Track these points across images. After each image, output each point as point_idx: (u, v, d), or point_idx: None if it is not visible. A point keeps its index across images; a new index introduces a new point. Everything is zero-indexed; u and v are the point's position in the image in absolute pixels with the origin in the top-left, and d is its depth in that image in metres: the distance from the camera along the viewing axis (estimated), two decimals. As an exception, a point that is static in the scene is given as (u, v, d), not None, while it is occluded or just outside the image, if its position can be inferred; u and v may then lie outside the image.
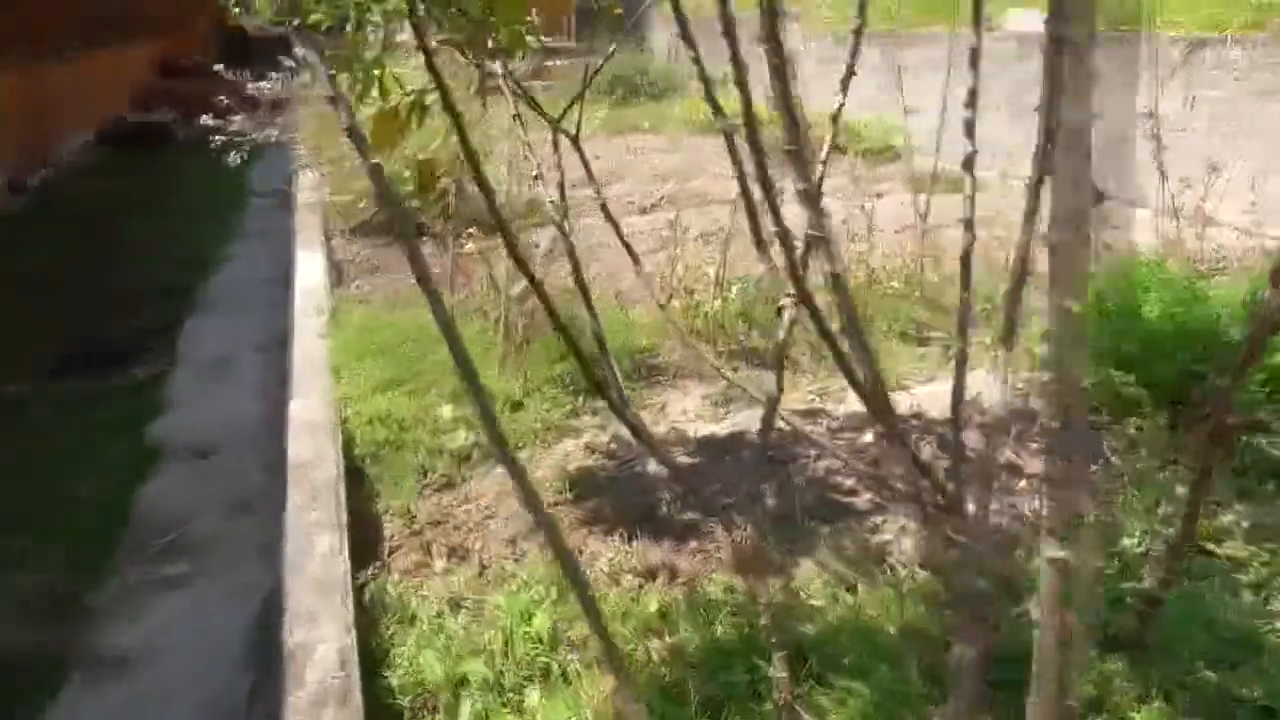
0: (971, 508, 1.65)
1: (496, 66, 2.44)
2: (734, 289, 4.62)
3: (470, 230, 4.59)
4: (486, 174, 2.15)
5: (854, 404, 3.99)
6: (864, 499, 3.16)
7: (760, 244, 1.86)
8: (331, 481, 3.02)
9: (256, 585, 3.17)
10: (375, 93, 2.70)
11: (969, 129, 1.84)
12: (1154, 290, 3.79)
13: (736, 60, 1.61)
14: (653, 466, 3.53)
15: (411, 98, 2.77)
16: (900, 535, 2.95)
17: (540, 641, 2.54)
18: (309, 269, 5.49)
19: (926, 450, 3.39)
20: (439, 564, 2.91)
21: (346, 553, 2.66)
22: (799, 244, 1.65)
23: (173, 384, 4.93)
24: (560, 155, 3.04)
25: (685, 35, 2.04)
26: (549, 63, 6.98)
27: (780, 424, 2.87)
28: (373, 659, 2.47)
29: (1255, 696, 2.24)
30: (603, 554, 2.99)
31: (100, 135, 11.61)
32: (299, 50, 5.02)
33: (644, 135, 10.65)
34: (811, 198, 1.44)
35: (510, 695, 2.40)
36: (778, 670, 2.16)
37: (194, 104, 6.96)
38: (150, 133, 11.83)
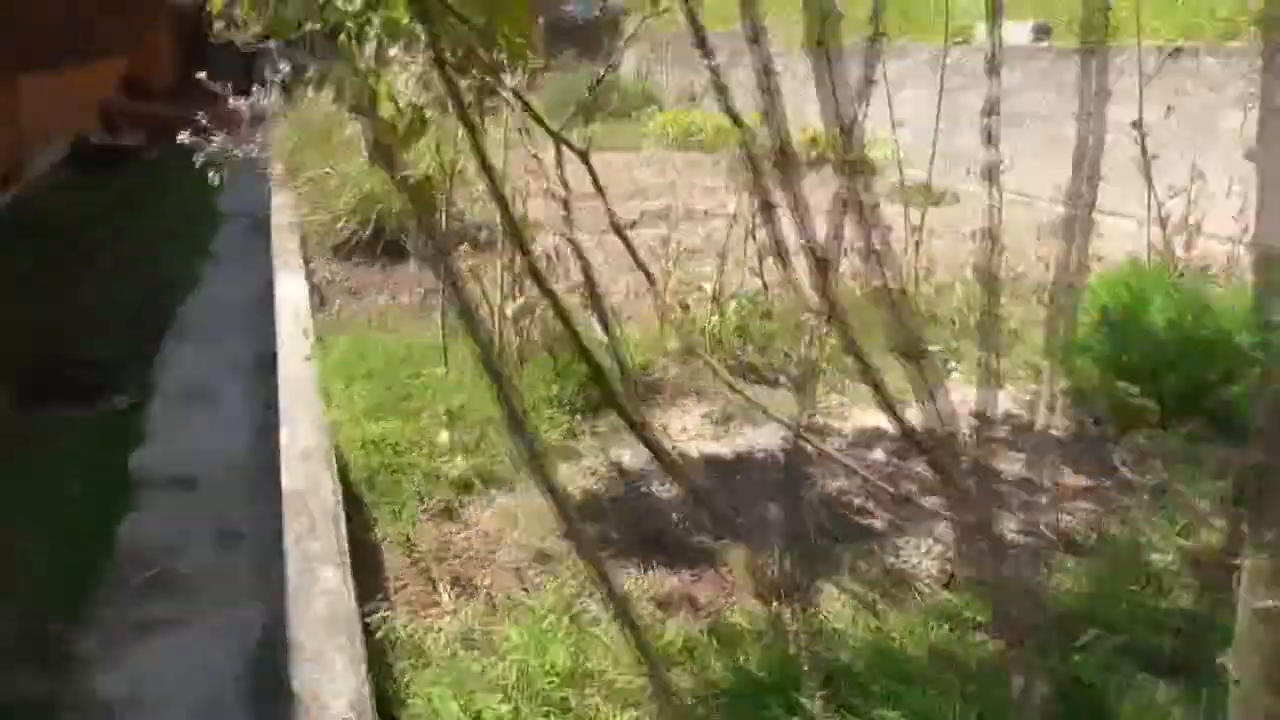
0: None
1: (505, 79, 2.35)
2: (731, 304, 4.55)
3: (462, 247, 4.48)
4: (476, 190, 2.09)
5: (859, 420, 3.93)
6: (882, 519, 3.09)
7: (762, 259, 1.81)
8: (330, 510, 2.89)
9: (249, 623, 3.05)
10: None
11: (988, 136, 1.78)
12: (1157, 299, 3.76)
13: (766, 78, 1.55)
14: (658, 488, 3.44)
15: (410, 113, 2.69)
16: (924, 557, 2.87)
17: (557, 675, 2.44)
18: (290, 291, 5.35)
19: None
20: (445, 596, 2.80)
21: (352, 585, 2.54)
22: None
23: (152, 410, 4.77)
24: (562, 169, 2.96)
25: (703, 46, 1.98)
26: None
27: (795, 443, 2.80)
28: (384, 699, 2.35)
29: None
30: (615, 582, 2.88)
31: (67, 157, 11.34)
32: (283, 64, 4.91)
33: (620, 152, 10.59)
34: (870, 210, 1.37)
35: (529, 733, 2.29)
36: (814, 705, 2.07)
37: (163, 126, 6.77)
38: (119, 156, 11.59)
